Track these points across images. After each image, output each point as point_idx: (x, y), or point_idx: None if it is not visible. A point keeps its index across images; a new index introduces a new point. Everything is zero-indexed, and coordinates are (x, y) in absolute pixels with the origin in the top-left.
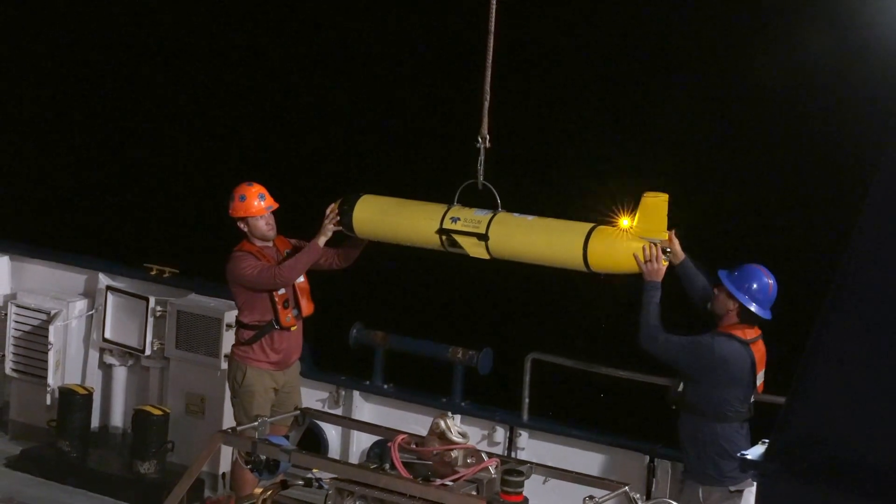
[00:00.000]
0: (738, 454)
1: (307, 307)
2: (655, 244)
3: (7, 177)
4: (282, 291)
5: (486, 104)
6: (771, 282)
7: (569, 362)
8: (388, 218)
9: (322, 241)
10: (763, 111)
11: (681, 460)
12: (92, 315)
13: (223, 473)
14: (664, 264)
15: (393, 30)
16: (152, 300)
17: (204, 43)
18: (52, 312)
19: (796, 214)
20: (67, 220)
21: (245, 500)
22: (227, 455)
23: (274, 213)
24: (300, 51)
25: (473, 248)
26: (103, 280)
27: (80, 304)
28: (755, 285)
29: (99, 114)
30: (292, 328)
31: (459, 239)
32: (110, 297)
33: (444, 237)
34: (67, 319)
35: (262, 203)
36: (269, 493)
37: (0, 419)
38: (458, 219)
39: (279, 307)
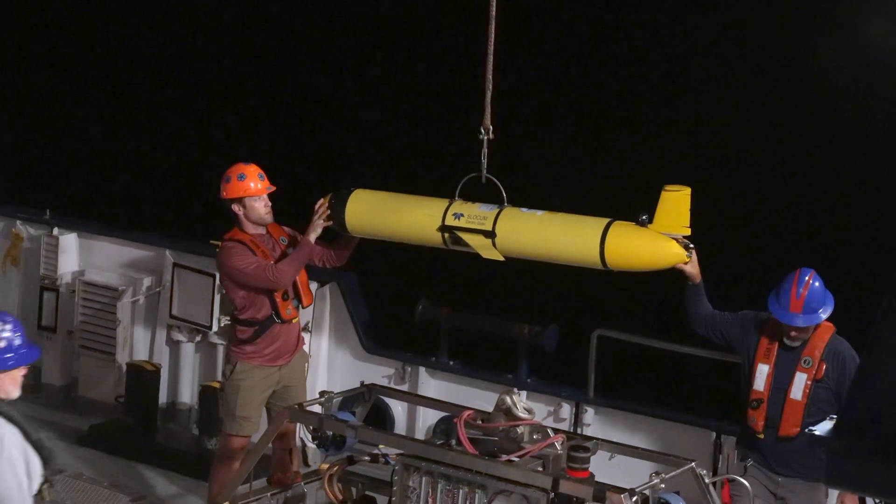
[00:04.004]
0: (807, 430)
1: (307, 297)
2: (679, 240)
3: (74, 155)
4: None
5: (489, 93)
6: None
7: (635, 338)
8: (383, 214)
9: (312, 237)
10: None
11: None
12: (159, 292)
13: (290, 449)
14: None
15: (389, 14)
16: (219, 276)
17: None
18: (120, 289)
19: (857, 202)
20: (135, 198)
21: (312, 475)
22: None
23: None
24: (296, 33)
25: (482, 248)
26: (170, 257)
27: (148, 281)
28: (819, 283)
29: (164, 94)
30: (294, 320)
31: (464, 236)
32: (177, 273)
33: (446, 235)
34: (135, 296)
35: (262, 183)
36: (335, 468)
37: (69, 395)
38: (462, 215)
39: (279, 300)
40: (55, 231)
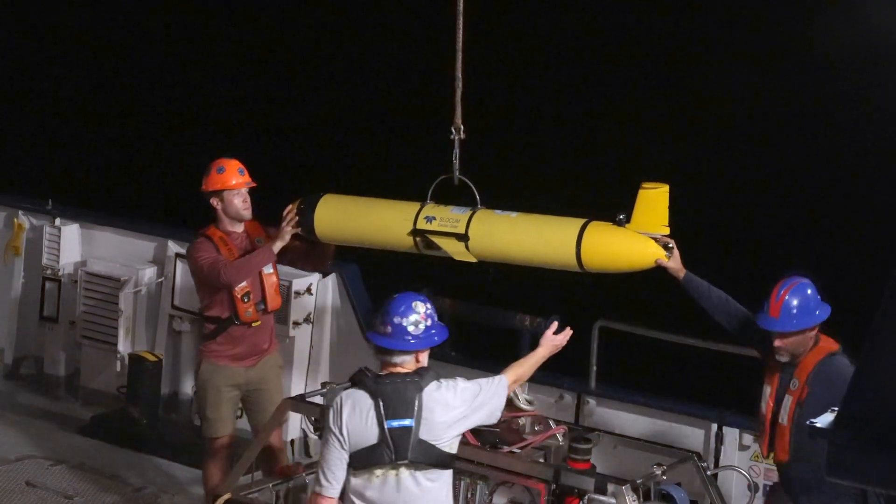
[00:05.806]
0: (808, 422)
1: (274, 301)
2: (658, 239)
3: (77, 145)
4: (242, 284)
5: (459, 91)
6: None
7: (637, 330)
8: (353, 219)
9: (278, 245)
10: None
11: (750, 428)
12: (161, 282)
13: (291, 440)
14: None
15: (356, 10)
16: None
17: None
18: (122, 280)
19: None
20: (137, 188)
21: (314, 466)
22: (295, 422)
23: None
24: (267, 36)
25: (455, 252)
26: (172, 247)
27: (150, 272)
28: (810, 291)
29: (168, 83)
30: (254, 324)
31: (437, 240)
32: (179, 264)
33: (418, 239)
34: (137, 287)
35: (241, 178)
36: None
37: (71, 385)
38: (434, 218)
39: (238, 301)
40: (57, 221)
